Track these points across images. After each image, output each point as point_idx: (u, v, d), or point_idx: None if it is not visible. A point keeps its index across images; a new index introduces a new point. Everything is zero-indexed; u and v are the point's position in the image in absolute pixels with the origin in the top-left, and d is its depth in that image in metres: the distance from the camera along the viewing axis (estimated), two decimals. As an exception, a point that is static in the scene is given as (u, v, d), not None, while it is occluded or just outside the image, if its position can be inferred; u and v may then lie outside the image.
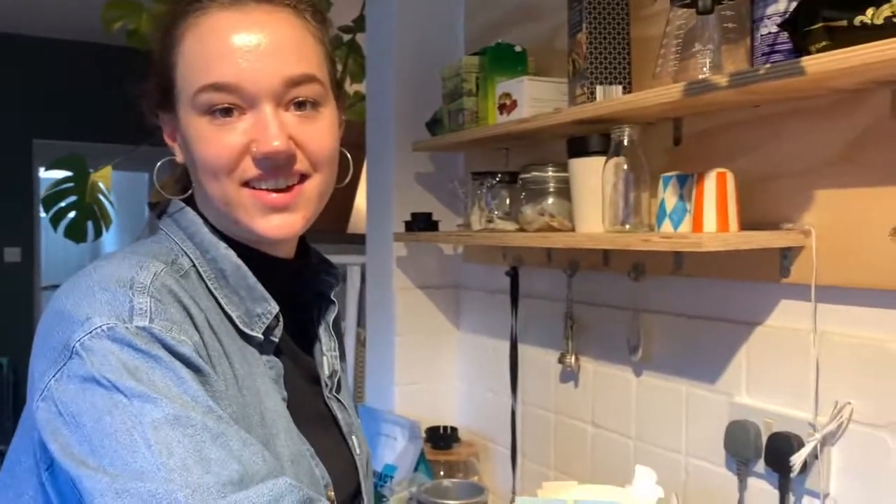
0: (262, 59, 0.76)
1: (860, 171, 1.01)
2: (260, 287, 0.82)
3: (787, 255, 1.10)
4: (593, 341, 1.50)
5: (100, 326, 0.68)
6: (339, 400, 0.93)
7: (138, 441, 0.63)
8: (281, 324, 0.84)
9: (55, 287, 0.75)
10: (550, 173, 1.40)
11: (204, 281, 0.81)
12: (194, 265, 0.81)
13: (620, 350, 1.42)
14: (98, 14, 2.59)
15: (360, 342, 2.36)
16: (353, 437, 0.94)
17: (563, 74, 1.40)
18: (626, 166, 1.18)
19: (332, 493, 0.84)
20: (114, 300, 0.70)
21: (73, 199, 2.70)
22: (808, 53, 0.90)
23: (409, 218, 1.76)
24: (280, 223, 0.79)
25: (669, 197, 1.13)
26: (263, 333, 0.82)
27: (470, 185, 1.63)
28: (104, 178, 2.74)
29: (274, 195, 0.78)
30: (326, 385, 0.92)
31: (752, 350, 1.18)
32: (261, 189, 0.78)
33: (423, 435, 1.79)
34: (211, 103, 0.76)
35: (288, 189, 0.79)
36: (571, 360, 1.53)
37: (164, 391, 0.66)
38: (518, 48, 1.56)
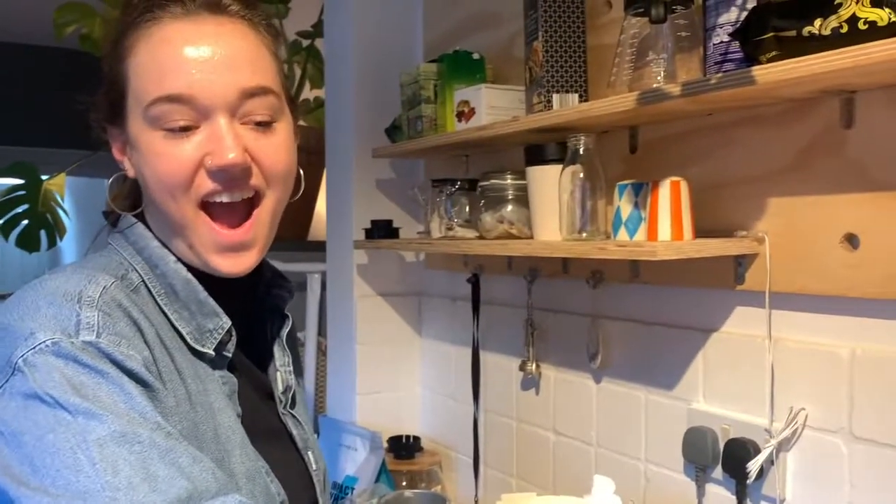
0: (216, 71, 0.74)
1: (811, 178, 1.02)
2: (211, 301, 0.80)
3: (741, 263, 1.11)
4: (554, 348, 1.50)
5: (44, 342, 0.66)
6: (293, 416, 0.92)
7: (82, 460, 0.61)
8: (234, 338, 0.82)
9: (9, 296, 0.72)
10: (509, 181, 1.39)
11: (153, 296, 0.78)
12: (143, 280, 0.79)
13: (580, 357, 1.42)
14: (50, 18, 2.53)
15: (321, 351, 2.33)
16: (310, 452, 0.92)
17: (521, 82, 1.40)
18: (582, 174, 1.18)
19: None
20: (59, 314, 0.68)
21: (25, 207, 2.63)
22: (759, 63, 0.90)
23: (369, 225, 1.75)
24: (233, 261, 0.78)
25: (625, 205, 1.14)
26: (216, 349, 0.80)
27: (430, 193, 1.62)
28: (58, 186, 2.68)
29: (227, 232, 0.77)
30: (280, 401, 0.90)
31: (709, 357, 1.19)
32: (216, 207, 0.76)
33: (385, 445, 1.78)
34: (164, 116, 0.74)
35: (244, 217, 0.77)
36: (532, 367, 1.52)
37: (111, 407, 0.64)
38: (476, 56, 1.55)
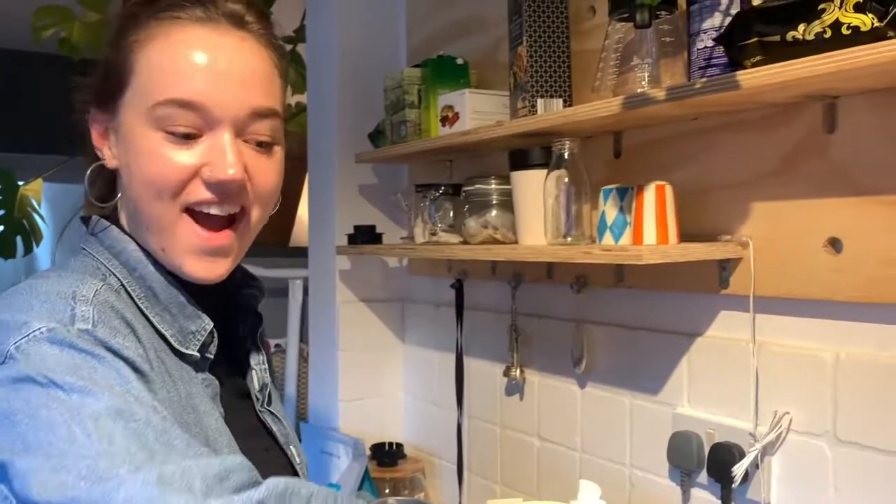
0: (231, 85, 0.74)
1: (795, 183, 1.03)
2: (192, 303, 0.80)
3: (725, 267, 1.11)
4: (538, 353, 1.50)
5: (38, 329, 0.65)
6: (271, 412, 0.92)
7: (76, 432, 0.60)
8: (216, 340, 0.82)
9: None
10: (493, 186, 1.39)
11: (134, 300, 0.77)
12: (123, 284, 0.77)
13: (565, 362, 1.42)
14: (27, 21, 2.49)
15: (303, 358, 2.32)
16: (291, 447, 0.93)
17: (505, 87, 1.39)
18: (567, 179, 1.18)
19: None
20: (54, 308, 0.68)
21: (0, 213, 2.59)
22: (744, 68, 0.91)
23: (351, 230, 1.74)
24: (208, 266, 0.77)
25: (610, 209, 1.14)
26: (199, 351, 0.80)
27: (413, 198, 1.61)
28: (34, 192, 2.64)
29: (208, 235, 0.76)
30: (258, 399, 0.90)
31: (694, 361, 1.19)
32: (201, 214, 0.75)
33: (368, 452, 1.76)
34: (170, 119, 0.73)
35: (226, 225, 0.77)
36: (517, 372, 1.52)
37: (106, 387, 0.63)
38: (460, 60, 1.55)
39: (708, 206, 1.14)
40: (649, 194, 1.08)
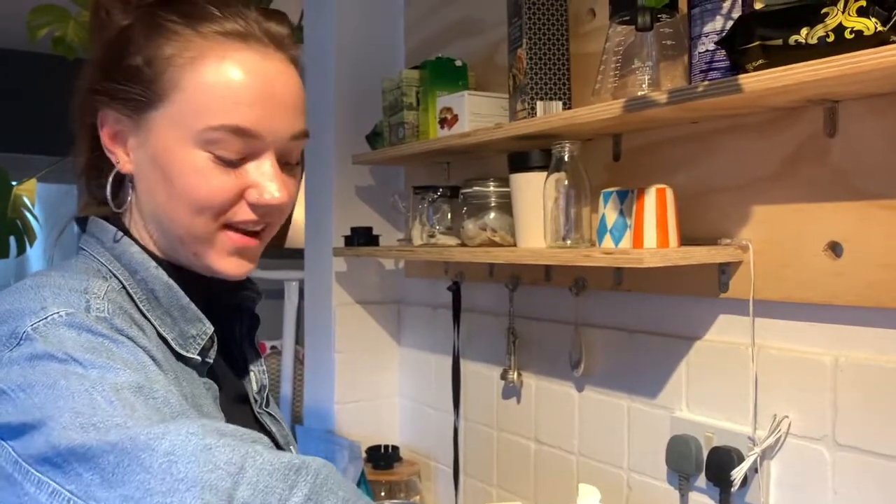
0: (279, 112, 0.75)
1: (795, 187, 1.03)
2: (193, 307, 0.79)
3: (725, 270, 1.11)
4: (535, 356, 1.50)
5: (57, 312, 0.65)
6: (270, 414, 0.92)
7: (98, 399, 0.58)
8: (216, 345, 0.81)
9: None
10: (492, 188, 1.39)
11: (135, 302, 0.77)
12: (124, 286, 0.77)
13: (562, 365, 1.41)
14: (20, 20, 2.48)
15: (299, 360, 2.31)
16: (291, 447, 0.93)
17: (504, 89, 1.39)
18: (566, 182, 1.18)
19: None
20: (69, 299, 0.68)
21: (-6, 212, 2.57)
22: (745, 71, 0.91)
23: (348, 232, 1.73)
24: (239, 264, 0.78)
25: (610, 212, 1.14)
26: (199, 354, 0.79)
27: (411, 200, 1.61)
28: (28, 192, 2.62)
29: (244, 238, 0.77)
30: (256, 401, 0.90)
31: (692, 365, 1.19)
32: (238, 230, 0.77)
33: (364, 455, 1.76)
34: (221, 143, 0.72)
35: (256, 234, 0.79)
36: (514, 375, 1.52)
37: (125, 365, 0.62)
38: (458, 62, 1.55)
39: (708, 210, 1.14)
40: (650, 197, 1.08)
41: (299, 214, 2.05)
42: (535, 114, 1.27)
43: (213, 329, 0.80)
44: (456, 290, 1.67)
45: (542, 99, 1.28)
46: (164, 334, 0.77)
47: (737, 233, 1.10)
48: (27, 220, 2.65)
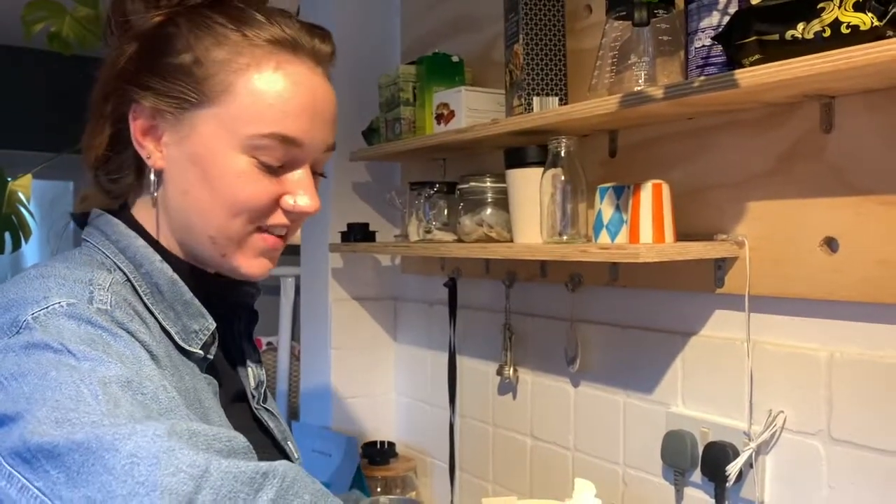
0: (321, 125, 0.78)
1: (791, 182, 1.03)
2: (197, 302, 0.80)
3: (721, 266, 1.12)
4: (531, 352, 1.50)
5: (58, 302, 0.65)
6: (267, 409, 0.92)
7: (84, 392, 0.59)
8: (217, 341, 0.82)
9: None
10: (488, 184, 1.39)
11: (139, 295, 0.77)
12: (129, 279, 0.77)
13: (558, 361, 1.41)
14: (16, 16, 2.47)
15: (295, 356, 2.31)
16: (289, 442, 0.93)
17: (501, 85, 1.39)
18: (563, 177, 1.18)
19: None
20: (73, 290, 0.68)
21: (-11, 208, 2.56)
22: (741, 66, 0.91)
23: (345, 228, 1.73)
24: (262, 265, 0.81)
25: (606, 208, 1.14)
26: (201, 349, 0.80)
27: (407, 196, 1.61)
28: (23, 188, 2.61)
29: (273, 239, 0.80)
30: (254, 396, 0.90)
31: (688, 360, 1.19)
32: (271, 234, 0.79)
33: (360, 451, 1.76)
34: (268, 150, 0.75)
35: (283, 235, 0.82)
36: (510, 371, 1.52)
37: (118, 359, 0.63)
38: (455, 58, 1.55)
39: (704, 206, 1.14)
40: (646, 193, 1.08)
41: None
42: (532, 109, 1.27)
43: (214, 325, 0.80)
44: (452, 286, 1.67)
45: (538, 94, 1.28)
46: (168, 328, 0.77)
47: (733, 228, 1.10)
48: (22, 215, 2.64)
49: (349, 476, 1.68)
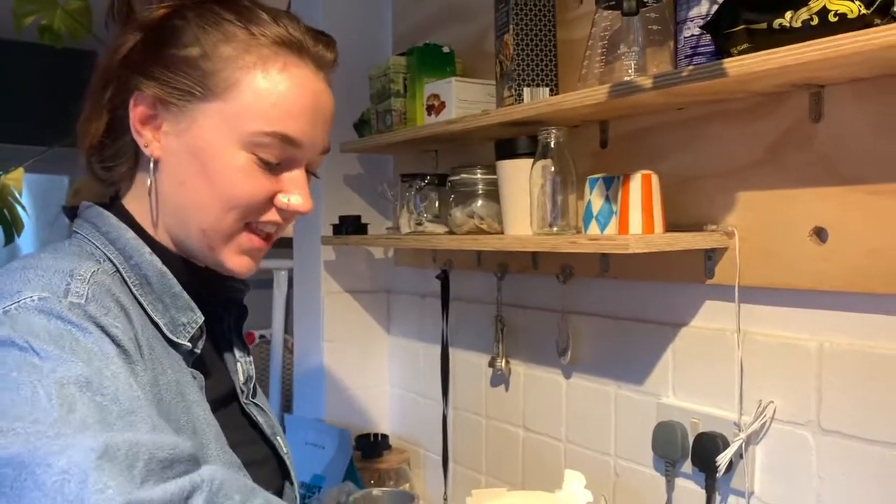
0: (320, 126, 0.80)
1: (781, 172, 1.03)
2: (185, 295, 0.80)
3: (711, 256, 1.11)
4: (523, 344, 1.49)
5: (30, 296, 0.65)
6: (256, 404, 0.91)
7: (40, 394, 0.58)
8: (205, 334, 0.82)
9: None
10: (479, 175, 1.38)
11: (129, 286, 0.77)
12: (118, 270, 0.77)
13: (550, 353, 1.41)
14: (6, 9, 2.46)
15: (288, 349, 2.30)
16: (278, 437, 0.93)
17: (492, 76, 1.39)
18: (553, 168, 1.18)
19: None
20: (50, 282, 0.68)
21: (-20, 202, 2.55)
22: (730, 55, 0.90)
23: (337, 221, 1.72)
24: (248, 263, 0.81)
25: (596, 199, 1.13)
26: (189, 342, 0.80)
27: (399, 188, 1.60)
28: (15, 181, 2.60)
29: (261, 240, 0.81)
30: (243, 391, 0.89)
31: (678, 351, 1.19)
32: (258, 231, 0.80)
33: (353, 443, 1.76)
34: (267, 147, 0.76)
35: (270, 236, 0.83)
36: (502, 363, 1.51)
37: (84, 359, 0.62)
38: (446, 49, 1.54)
39: (694, 196, 1.14)
40: (635, 183, 1.07)
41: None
42: (522, 100, 1.27)
43: (202, 319, 0.81)
44: (444, 278, 1.66)
45: (528, 85, 1.28)
46: (156, 319, 0.77)
47: (722, 219, 1.10)
48: (15, 209, 2.63)
49: (342, 468, 1.68)
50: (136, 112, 0.77)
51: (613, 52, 1.10)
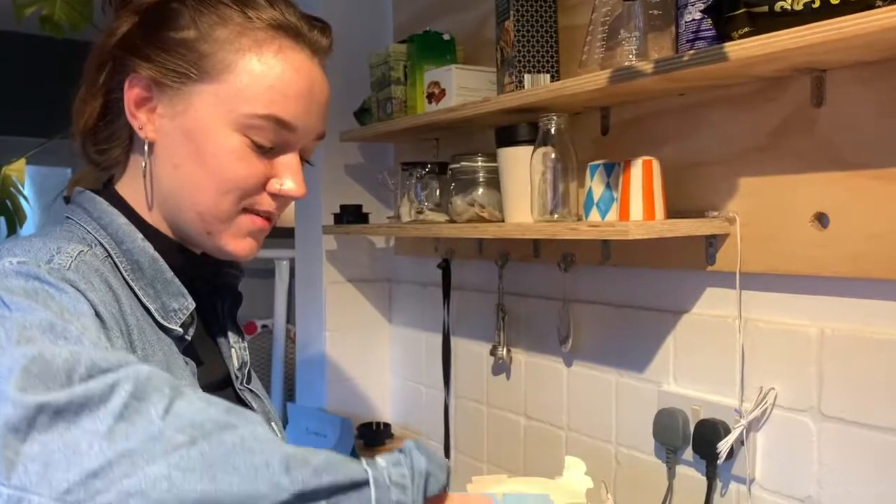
0: (314, 113, 0.80)
1: (782, 158, 1.02)
2: (177, 282, 0.79)
3: (712, 243, 1.11)
4: (525, 332, 1.49)
5: (9, 260, 0.65)
6: (251, 390, 0.91)
7: (0, 334, 0.56)
8: (196, 322, 0.81)
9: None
10: (480, 163, 1.38)
11: (120, 271, 0.77)
12: (110, 254, 0.77)
13: (551, 341, 1.41)
14: (4, 0, 2.45)
15: (290, 338, 2.31)
16: (273, 423, 0.92)
17: (492, 63, 1.38)
18: (554, 155, 1.17)
19: None
20: (36, 254, 0.68)
21: (-18, 193, 2.55)
22: (731, 40, 0.90)
23: (338, 210, 1.72)
24: (249, 245, 0.81)
25: (597, 186, 1.13)
26: (180, 327, 0.79)
27: (399, 176, 1.60)
28: (17, 172, 2.60)
29: (264, 220, 0.80)
30: (237, 377, 0.89)
31: (680, 338, 1.19)
32: (259, 215, 0.80)
33: (355, 432, 1.76)
34: (261, 130, 0.76)
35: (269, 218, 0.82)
36: (503, 351, 1.51)
37: (55, 310, 0.61)
38: (446, 36, 1.53)
39: (695, 182, 1.13)
40: (636, 170, 1.07)
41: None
42: (523, 87, 1.26)
43: (194, 306, 0.80)
44: (446, 267, 1.66)
45: (529, 72, 1.27)
46: (147, 304, 0.77)
47: (724, 205, 1.09)
48: (17, 200, 2.63)
49: (344, 457, 1.68)
50: (131, 94, 0.77)
51: (614, 37, 1.09)
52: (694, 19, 0.98)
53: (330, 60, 0.84)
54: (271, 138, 0.76)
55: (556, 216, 1.17)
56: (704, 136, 1.12)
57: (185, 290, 0.79)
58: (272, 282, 2.35)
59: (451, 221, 1.44)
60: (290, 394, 2.32)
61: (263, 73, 0.75)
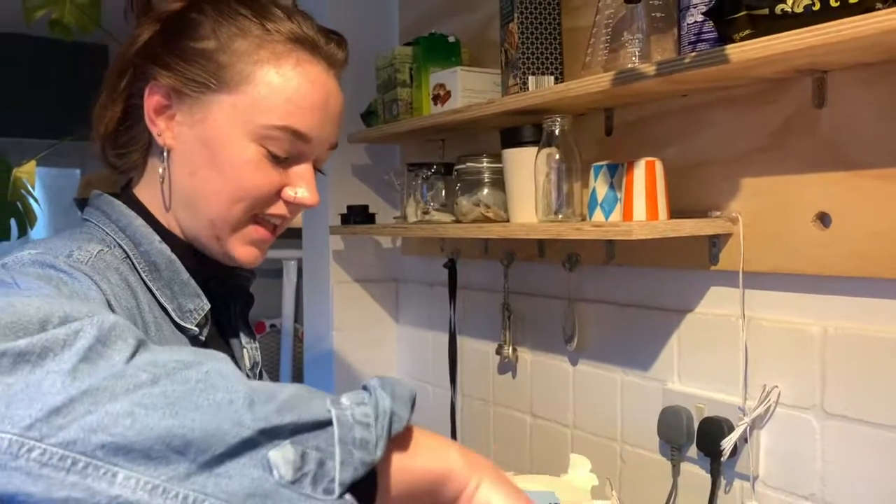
0: (329, 123, 0.82)
1: (784, 158, 1.03)
2: (193, 283, 0.81)
3: (715, 243, 1.12)
4: (530, 332, 1.50)
5: (28, 252, 0.67)
6: None
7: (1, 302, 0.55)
8: (209, 323, 0.83)
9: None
10: (485, 164, 1.39)
11: (138, 272, 0.79)
12: (128, 255, 0.79)
13: (556, 340, 1.42)
14: (16, 2, 2.47)
15: (298, 338, 2.32)
16: None
17: (497, 66, 1.39)
18: (558, 156, 1.18)
19: None
20: (54, 250, 0.70)
21: (-6, 195, 2.57)
22: (733, 42, 0.91)
23: (345, 211, 1.74)
24: (255, 253, 0.83)
25: (600, 186, 1.14)
26: (195, 327, 0.81)
27: (405, 177, 1.61)
28: (28, 174, 2.62)
29: (267, 232, 0.83)
30: (249, 377, 0.91)
31: (684, 337, 1.20)
32: (264, 223, 0.82)
33: (363, 430, 1.77)
34: (277, 141, 0.77)
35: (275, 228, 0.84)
36: (509, 350, 1.53)
37: (65, 293, 0.62)
38: (451, 38, 1.55)
39: (698, 182, 1.14)
40: (639, 170, 1.08)
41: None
42: (527, 88, 1.27)
43: (209, 307, 0.82)
44: (452, 267, 1.68)
45: (533, 74, 1.28)
46: (164, 304, 0.79)
47: (727, 205, 1.10)
48: (27, 202, 2.66)
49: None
50: (150, 101, 0.79)
51: (617, 39, 1.10)
52: (696, 22, 0.99)
53: (338, 65, 0.85)
54: (286, 149, 0.78)
55: (560, 216, 1.19)
56: (707, 136, 1.13)
57: (200, 292, 0.82)
58: (280, 282, 2.37)
59: (457, 221, 1.45)
60: (298, 393, 2.33)
61: (281, 85, 0.77)
